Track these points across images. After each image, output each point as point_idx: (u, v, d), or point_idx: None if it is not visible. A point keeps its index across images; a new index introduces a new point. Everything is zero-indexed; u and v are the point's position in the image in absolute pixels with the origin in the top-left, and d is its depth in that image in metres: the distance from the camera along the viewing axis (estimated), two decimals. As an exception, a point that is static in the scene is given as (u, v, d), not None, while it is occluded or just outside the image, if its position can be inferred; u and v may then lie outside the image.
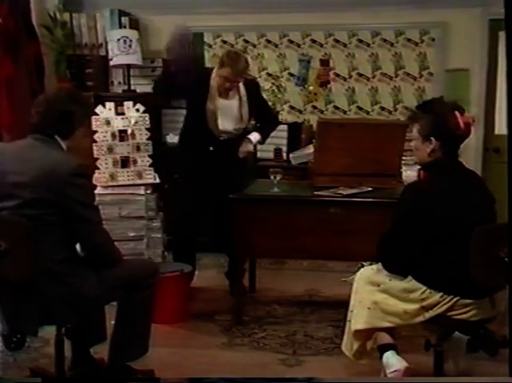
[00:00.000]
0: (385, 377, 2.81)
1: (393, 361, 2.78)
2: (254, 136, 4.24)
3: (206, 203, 4.17)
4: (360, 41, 5.48)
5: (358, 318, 2.88)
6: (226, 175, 4.04)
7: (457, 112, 2.78)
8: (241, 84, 4.11)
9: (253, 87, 4.24)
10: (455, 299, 2.71)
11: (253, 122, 4.38)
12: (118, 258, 2.84)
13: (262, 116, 4.29)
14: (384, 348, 2.84)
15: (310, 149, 4.91)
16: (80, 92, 3.27)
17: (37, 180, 2.59)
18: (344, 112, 5.57)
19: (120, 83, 5.41)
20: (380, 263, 2.92)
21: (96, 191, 3.75)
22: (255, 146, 4.51)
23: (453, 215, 2.70)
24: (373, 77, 5.50)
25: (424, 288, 2.75)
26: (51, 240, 2.62)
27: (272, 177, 3.87)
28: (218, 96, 4.06)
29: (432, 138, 2.79)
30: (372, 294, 2.85)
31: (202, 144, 4.08)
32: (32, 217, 2.56)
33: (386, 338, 2.86)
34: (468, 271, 2.61)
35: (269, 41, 5.61)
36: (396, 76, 5.47)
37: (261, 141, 4.36)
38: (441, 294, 2.72)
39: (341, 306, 3.26)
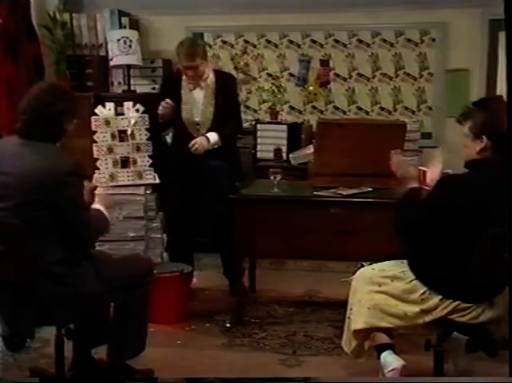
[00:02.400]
0: (383, 376, 2.81)
1: (390, 360, 2.78)
2: (212, 135, 4.07)
3: (197, 202, 4.16)
4: (360, 41, 5.48)
5: (357, 318, 2.88)
6: (209, 173, 4.05)
7: None
8: (211, 75, 4.13)
9: (225, 80, 4.23)
10: (455, 304, 2.70)
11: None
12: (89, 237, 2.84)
13: (227, 111, 4.13)
14: (381, 348, 2.84)
15: (310, 149, 4.91)
16: (61, 86, 3.13)
17: (31, 182, 2.55)
18: (344, 113, 5.57)
19: (120, 83, 5.42)
20: (380, 263, 2.92)
21: (95, 192, 3.77)
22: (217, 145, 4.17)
23: (479, 217, 2.63)
24: (373, 78, 5.50)
25: (424, 289, 2.75)
26: (47, 241, 2.60)
27: (272, 177, 3.87)
28: (188, 90, 4.12)
29: (484, 136, 2.70)
30: (373, 295, 2.84)
31: (185, 144, 4.09)
32: (27, 218, 2.54)
33: (383, 338, 2.85)
34: (469, 275, 2.61)
35: (269, 42, 5.61)
36: (396, 77, 5.47)
37: (220, 143, 4.12)
38: (440, 297, 2.72)
39: (341, 306, 3.25)
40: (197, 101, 4.15)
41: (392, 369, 2.75)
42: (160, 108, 4.02)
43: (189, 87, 4.14)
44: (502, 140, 2.61)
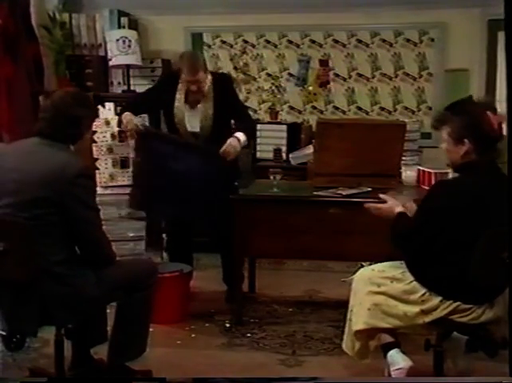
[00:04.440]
0: (389, 375, 2.81)
1: (398, 359, 2.78)
2: (241, 135, 3.91)
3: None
4: (360, 41, 5.48)
5: (358, 319, 2.88)
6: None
7: (489, 112, 2.67)
8: (208, 79, 3.94)
9: (222, 82, 4.06)
10: (456, 304, 2.70)
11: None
12: (112, 260, 2.82)
13: (233, 111, 4.03)
14: (387, 347, 2.84)
15: (310, 149, 4.92)
16: (85, 94, 3.21)
17: (42, 180, 2.58)
18: (344, 113, 5.57)
19: (119, 83, 5.41)
20: (380, 264, 2.92)
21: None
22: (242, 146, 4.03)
23: (477, 219, 2.63)
24: (373, 78, 5.51)
25: (424, 290, 2.75)
26: (51, 241, 2.61)
27: (272, 177, 3.87)
28: (184, 102, 3.94)
29: (466, 140, 2.68)
30: (373, 295, 2.84)
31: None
32: (33, 216, 2.56)
33: (388, 337, 2.86)
34: (469, 276, 2.61)
35: (268, 42, 5.61)
36: (396, 77, 5.47)
37: (247, 143, 4.04)
38: (440, 298, 2.72)
39: (341, 306, 3.26)
40: (195, 113, 3.95)
41: (399, 368, 2.75)
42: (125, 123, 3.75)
43: (188, 104, 3.93)
44: (484, 142, 2.67)
